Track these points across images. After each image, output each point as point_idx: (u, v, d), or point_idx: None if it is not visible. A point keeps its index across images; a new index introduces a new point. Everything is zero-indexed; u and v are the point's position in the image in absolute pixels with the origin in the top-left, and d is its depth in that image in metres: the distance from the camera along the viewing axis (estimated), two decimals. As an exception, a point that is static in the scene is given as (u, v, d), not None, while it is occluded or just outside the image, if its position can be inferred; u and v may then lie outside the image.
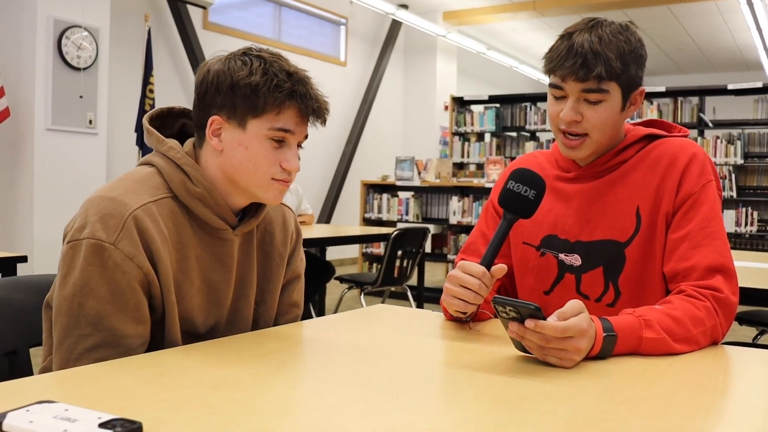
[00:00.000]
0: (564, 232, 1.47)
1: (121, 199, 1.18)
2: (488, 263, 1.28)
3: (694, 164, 1.40)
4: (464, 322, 1.41)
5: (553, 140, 1.48)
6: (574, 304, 1.13)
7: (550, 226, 1.49)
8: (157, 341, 1.24)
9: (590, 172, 1.47)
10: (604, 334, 1.15)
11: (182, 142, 1.32)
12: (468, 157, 8.10)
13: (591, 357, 1.14)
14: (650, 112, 7.09)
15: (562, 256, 1.47)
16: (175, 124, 1.38)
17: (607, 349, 1.16)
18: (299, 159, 1.28)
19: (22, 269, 2.68)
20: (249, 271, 1.37)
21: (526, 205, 1.31)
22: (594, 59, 1.33)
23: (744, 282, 1.37)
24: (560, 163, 1.52)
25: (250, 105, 1.21)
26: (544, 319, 1.08)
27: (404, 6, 9.09)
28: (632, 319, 1.20)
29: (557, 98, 1.41)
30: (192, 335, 1.29)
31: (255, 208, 1.36)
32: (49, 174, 5.10)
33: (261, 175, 1.24)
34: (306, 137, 1.29)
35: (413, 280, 5.13)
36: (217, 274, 1.31)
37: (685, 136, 1.48)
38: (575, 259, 1.45)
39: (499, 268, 1.27)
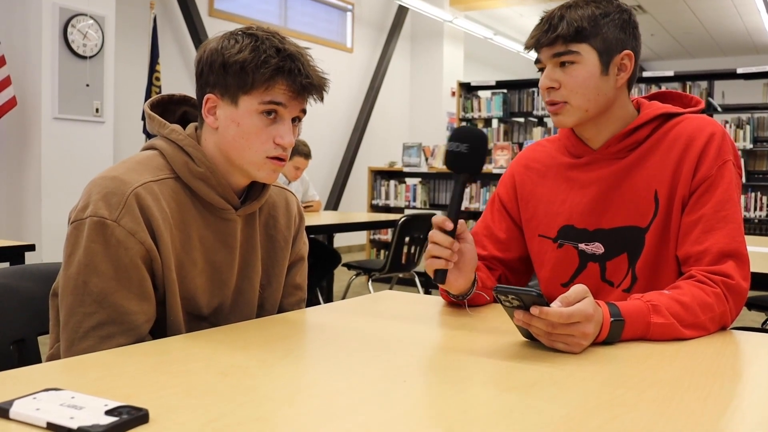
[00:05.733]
0: (581, 221, 1.45)
1: (122, 178, 1.19)
2: (453, 220, 1.29)
3: (711, 145, 1.37)
4: (460, 299, 1.39)
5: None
6: (578, 288, 1.13)
7: (565, 216, 1.47)
8: (161, 322, 1.24)
9: (603, 154, 1.44)
10: (612, 319, 1.14)
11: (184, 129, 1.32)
12: (475, 143, 8.04)
13: (598, 342, 1.14)
14: (659, 97, 7.04)
15: (582, 245, 1.45)
16: (177, 112, 1.39)
17: (614, 335, 1.15)
18: (299, 134, 1.28)
19: (30, 257, 2.70)
20: (252, 254, 1.37)
21: (464, 160, 1.29)
22: (558, 22, 1.37)
23: (753, 267, 1.36)
24: (570, 149, 1.50)
25: (240, 82, 1.22)
26: (548, 305, 1.08)
27: (410, -9, 9.05)
28: (640, 304, 1.19)
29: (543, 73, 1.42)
30: (196, 317, 1.30)
31: (257, 191, 1.36)
32: (56, 163, 5.11)
33: (254, 153, 1.24)
34: (304, 112, 1.28)
35: (421, 267, 5.12)
36: (220, 255, 1.31)
37: (700, 111, 1.45)
38: (597, 248, 1.44)
39: (461, 223, 1.31)
